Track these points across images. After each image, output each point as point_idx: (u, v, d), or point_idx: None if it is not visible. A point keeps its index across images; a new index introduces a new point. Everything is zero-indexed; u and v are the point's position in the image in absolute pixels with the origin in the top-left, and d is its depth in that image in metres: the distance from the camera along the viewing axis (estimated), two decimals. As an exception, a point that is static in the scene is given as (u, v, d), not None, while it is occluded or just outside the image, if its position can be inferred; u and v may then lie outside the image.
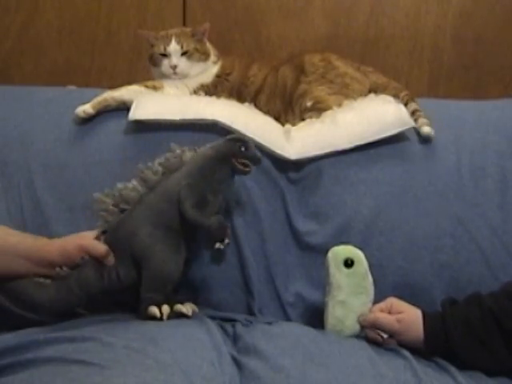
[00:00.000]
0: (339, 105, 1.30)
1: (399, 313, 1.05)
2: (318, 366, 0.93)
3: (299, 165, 1.25)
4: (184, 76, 1.34)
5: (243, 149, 1.08)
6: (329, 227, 1.21)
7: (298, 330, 1.07)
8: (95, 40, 1.69)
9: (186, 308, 1.05)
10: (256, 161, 1.10)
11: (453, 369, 0.97)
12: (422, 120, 1.26)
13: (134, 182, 1.10)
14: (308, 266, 1.22)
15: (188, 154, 1.12)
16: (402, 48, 1.67)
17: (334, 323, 1.08)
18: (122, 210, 1.09)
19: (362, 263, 1.10)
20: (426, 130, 1.25)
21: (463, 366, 0.99)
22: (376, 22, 1.66)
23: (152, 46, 1.34)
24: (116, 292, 1.08)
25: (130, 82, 1.32)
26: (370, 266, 1.17)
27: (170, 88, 1.33)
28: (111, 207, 1.09)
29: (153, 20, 1.67)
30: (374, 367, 0.95)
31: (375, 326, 1.06)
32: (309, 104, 1.31)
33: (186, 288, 1.15)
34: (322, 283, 1.17)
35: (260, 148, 1.23)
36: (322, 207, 1.23)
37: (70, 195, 1.23)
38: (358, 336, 1.08)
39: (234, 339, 1.05)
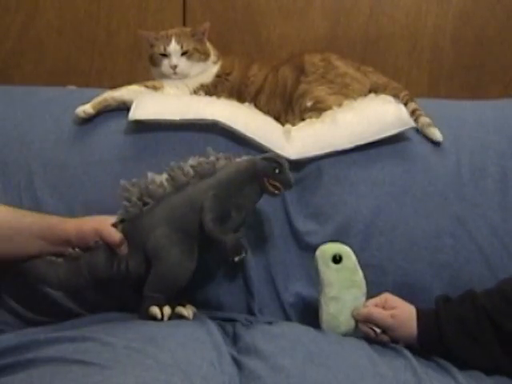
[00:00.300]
0: (339, 105, 1.30)
1: (393, 308, 1.06)
2: (318, 366, 0.93)
3: (299, 165, 1.25)
4: (184, 76, 1.34)
5: (277, 171, 1.07)
6: (329, 227, 1.21)
7: (297, 330, 1.07)
8: (95, 40, 1.69)
9: (187, 311, 1.06)
10: (288, 185, 1.08)
11: (453, 369, 0.97)
12: (423, 119, 1.26)
13: (163, 178, 1.08)
14: (308, 266, 1.22)
15: (222, 163, 1.10)
16: (402, 48, 1.67)
17: (329, 320, 1.08)
18: (145, 204, 1.07)
19: (351, 258, 1.11)
20: (436, 134, 1.25)
21: (463, 366, 0.99)
22: (376, 22, 1.66)
23: (152, 46, 1.34)
24: (121, 283, 1.08)
25: (130, 82, 1.32)
26: (370, 265, 1.18)
27: (170, 88, 1.33)
28: (134, 198, 1.07)
29: (153, 20, 1.67)
30: (374, 367, 0.95)
31: (369, 321, 1.06)
32: (309, 104, 1.31)
33: (186, 289, 1.15)
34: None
35: (260, 148, 1.23)
36: (322, 207, 1.23)
37: (70, 195, 1.23)
38: (357, 336, 1.08)
39: (234, 339, 1.06)
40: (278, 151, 1.23)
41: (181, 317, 1.05)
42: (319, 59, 1.36)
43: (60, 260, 1.07)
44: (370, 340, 1.06)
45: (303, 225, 1.23)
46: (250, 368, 0.93)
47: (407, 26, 1.66)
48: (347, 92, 1.32)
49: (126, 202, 1.08)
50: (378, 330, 1.05)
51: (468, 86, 1.67)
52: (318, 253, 1.11)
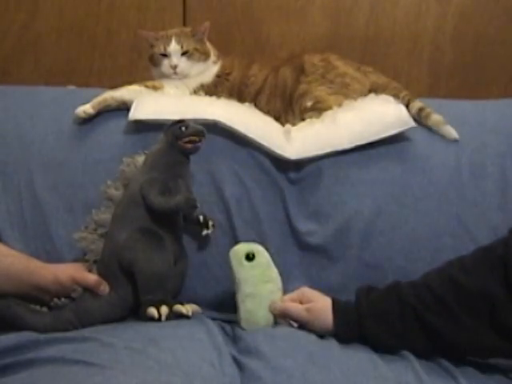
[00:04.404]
0: (339, 105, 1.30)
1: (310, 302, 1.06)
2: (319, 368, 0.93)
3: (299, 165, 1.25)
4: (184, 76, 1.34)
5: (184, 128, 1.09)
6: (329, 227, 1.21)
7: (298, 332, 1.07)
8: (95, 40, 1.69)
9: (186, 308, 1.05)
10: (200, 133, 1.10)
11: (455, 370, 0.97)
12: (435, 117, 1.26)
13: (103, 205, 1.12)
14: (308, 266, 1.22)
15: (139, 159, 1.14)
16: (402, 48, 1.67)
17: (247, 317, 1.09)
18: (102, 235, 1.10)
19: (264, 254, 1.11)
20: (451, 132, 1.26)
21: (465, 367, 0.99)
22: (376, 22, 1.66)
23: (152, 46, 1.34)
24: (124, 313, 1.08)
25: (130, 82, 1.32)
26: (370, 266, 1.18)
27: (169, 88, 1.33)
28: (91, 236, 1.10)
29: (153, 20, 1.67)
30: (375, 369, 0.95)
31: (285, 315, 1.07)
32: (309, 104, 1.31)
33: (186, 289, 1.15)
34: (323, 283, 1.17)
35: (260, 148, 1.23)
36: (322, 207, 1.23)
37: (70, 195, 1.23)
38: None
39: (235, 340, 1.05)
40: (278, 151, 1.23)
41: (180, 316, 1.05)
42: (319, 59, 1.36)
43: (44, 309, 1.05)
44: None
45: (303, 225, 1.23)
46: (251, 369, 0.93)
47: (407, 26, 1.66)
48: (347, 92, 1.32)
49: (86, 246, 1.09)
50: (294, 325, 1.06)
51: (468, 86, 1.67)
52: (231, 253, 1.11)
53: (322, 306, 1.05)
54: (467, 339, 0.96)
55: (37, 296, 1.06)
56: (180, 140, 1.09)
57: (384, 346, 1.00)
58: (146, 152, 1.15)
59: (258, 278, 1.09)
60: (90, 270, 1.08)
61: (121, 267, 1.06)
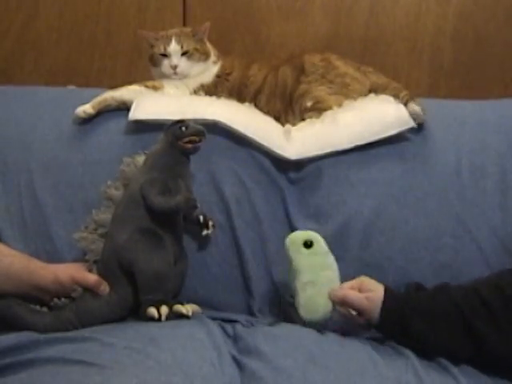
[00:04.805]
0: (339, 105, 1.30)
1: (369, 291, 1.06)
2: (319, 367, 0.93)
3: (299, 165, 1.25)
4: (184, 76, 1.34)
5: (184, 129, 1.09)
6: (329, 227, 1.21)
7: (299, 331, 1.07)
8: (95, 40, 1.69)
9: (186, 308, 1.05)
10: (200, 133, 1.10)
11: (454, 369, 0.97)
12: (411, 105, 1.26)
13: (103, 205, 1.12)
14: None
15: (139, 159, 1.14)
16: (402, 48, 1.67)
17: (308, 304, 1.08)
18: (102, 235, 1.10)
19: (322, 243, 1.11)
20: (413, 107, 1.25)
21: (464, 366, 0.99)
22: (376, 22, 1.66)
23: (152, 46, 1.34)
24: (124, 313, 1.08)
25: (130, 82, 1.32)
26: (370, 265, 1.18)
27: (170, 88, 1.33)
28: (91, 236, 1.10)
29: (153, 20, 1.67)
30: (375, 368, 0.95)
31: (345, 303, 1.06)
32: (309, 104, 1.31)
33: (186, 289, 1.15)
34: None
35: (260, 148, 1.23)
36: (322, 207, 1.23)
37: (70, 195, 1.23)
38: (357, 336, 1.08)
39: (235, 340, 1.05)
40: (278, 151, 1.23)
41: (180, 316, 1.05)
42: (319, 59, 1.36)
43: (44, 309, 1.05)
44: (371, 340, 1.06)
45: (303, 225, 1.23)
46: (252, 369, 0.93)
47: (407, 26, 1.66)
48: (347, 92, 1.32)
49: (87, 246, 1.09)
50: (353, 313, 1.06)
51: (468, 86, 1.67)
52: (287, 241, 1.11)
53: (381, 296, 1.04)
54: (508, 348, 0.96)
55: (37, 296, 1.06)
56: (180, 140, 1.09)
57: (425, 345, 1.00)
58: (146, 152, 1.15)
59: (318, 266, 1.09)
60: (90, 270, 1.08)
61: (121, 267, 1.06)
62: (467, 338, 0.98)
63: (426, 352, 1.00)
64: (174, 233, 1.11)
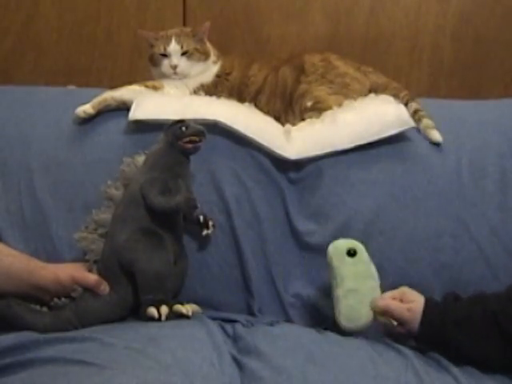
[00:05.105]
0: (339, 105, 1.30)
1: (411, 302, 1.05)
2: (319, 367, 0.94)
3: (299, 165, 1.25)
4: (184, 76, 1.34)
5: (184, 129, 1.09)
6: (329, 227, 1.21)
7: (298, 331, 1.07)
8: (95, 40, 1.69)
9: (186, 308, 1.05)
10: (200, 133, 1.10)
11: (454, 369, 0.97)
12: (426, 121, 1.26)
13: (103, 205, 1.12)
14: (308, 266, 1.22)
15: (139, 159, 1.14)
16: (402, 48, 1.67)
17: (349, 312, 1.08)
18: (103, 235, 1.10)
19: (364, 252, 1.11)
20: (436, 136, 1.25)
21: (464, 366, 0.99)
22: (376, 22, 1.66)
23: (152, 46, 1.34)
24: (124, 313, 1.08)
25: (130, 82, 1.32)
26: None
27: (169, 88, 1.33)
28: (91, 236, 1.10)
29: (153, 20, 1.67)
30: (375, 368, 0.95)
31: (387, 313, 1.06)
32: (309, 104, 1.31)
33: (186, 289, 1.15)
34: (322, 283, 1.17)
35: (260, 148, 1.23)
36: (322, 207, 1.23)
37: (70, 195, 1.23)
38: (358, 336, 1.08)
39: (235, 340, 1.06)
40: (278, 151, 1.23)
41: (180, 316, 1.05)
42: (319, 59, 1.36)
43: (44, 309, 1.05)
44: (371, 340, 1.06)
45: (303, 225, 1.23)
46: (251, 369, 0.94)
47: (407, 26, 1.66)
48: (347, 92, 1.32)
49: (87, 245, 1.09)
50: (394, 323, 1.06)
51: (468, 85, 1.67)
52: (330, 249, 1.11)
53: (421, 307, 1.04)
54: None
55: (37, 296, 1.06)
56: (180, 140, 1.09)
57: (465, 355, 1.00)
58: (146, 152, 1.15)
59: (361, 275, 1.09)
60: (90, 270, 1.08)
61: (121, 267, 1.06)
62: (504, 345, 0.97)
63: (467, 362, 0.99)
64: (174, 233, 1.11)
